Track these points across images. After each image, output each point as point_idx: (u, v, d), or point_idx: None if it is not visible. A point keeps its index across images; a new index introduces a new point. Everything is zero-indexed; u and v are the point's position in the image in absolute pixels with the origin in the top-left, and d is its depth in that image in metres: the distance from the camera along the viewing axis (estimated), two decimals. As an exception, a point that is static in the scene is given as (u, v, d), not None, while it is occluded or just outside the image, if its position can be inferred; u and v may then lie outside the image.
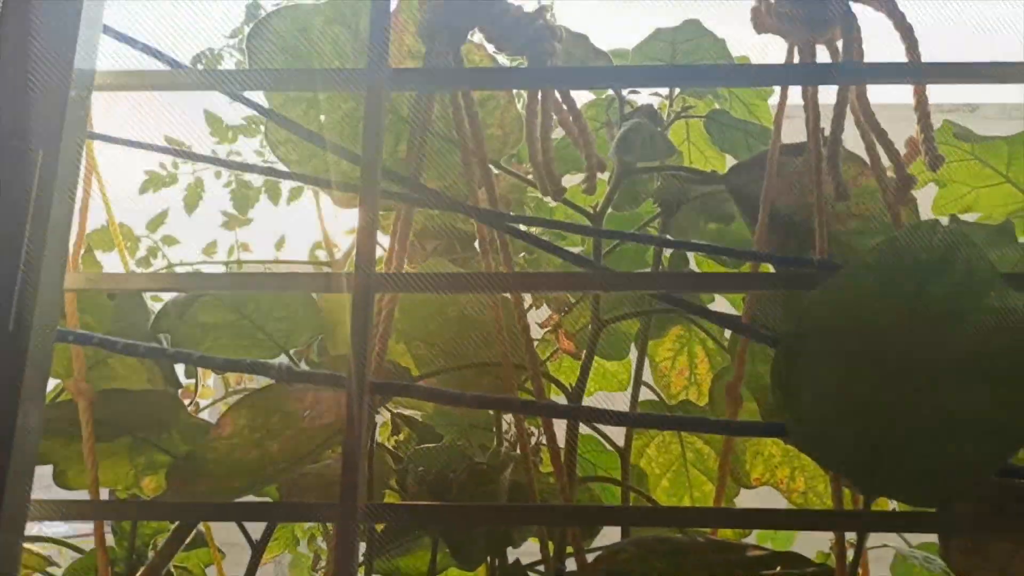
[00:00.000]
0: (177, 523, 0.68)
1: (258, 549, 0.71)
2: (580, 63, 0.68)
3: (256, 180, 1.29)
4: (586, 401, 0.78)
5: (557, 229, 0.59)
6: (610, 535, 0.78)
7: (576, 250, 0.83)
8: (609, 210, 0.71)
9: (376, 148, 0.52)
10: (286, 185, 1.22)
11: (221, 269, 1.14)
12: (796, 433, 0.47)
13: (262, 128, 1.29)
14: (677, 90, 0.75)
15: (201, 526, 0.77)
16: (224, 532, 0.80)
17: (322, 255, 1.06)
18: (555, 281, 0.49)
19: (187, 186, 1.21)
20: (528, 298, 0.83)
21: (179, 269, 1.12)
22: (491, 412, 0.83)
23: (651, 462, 0.88)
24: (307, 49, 0.56)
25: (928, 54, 0.55)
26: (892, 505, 0.78)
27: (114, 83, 0.56)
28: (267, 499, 0.88)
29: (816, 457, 0.49)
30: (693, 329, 0.92)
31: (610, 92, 0.74)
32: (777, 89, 0.69)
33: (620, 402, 1.03)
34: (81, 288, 0.51)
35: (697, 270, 0.83)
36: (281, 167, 0.64)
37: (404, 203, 0.55)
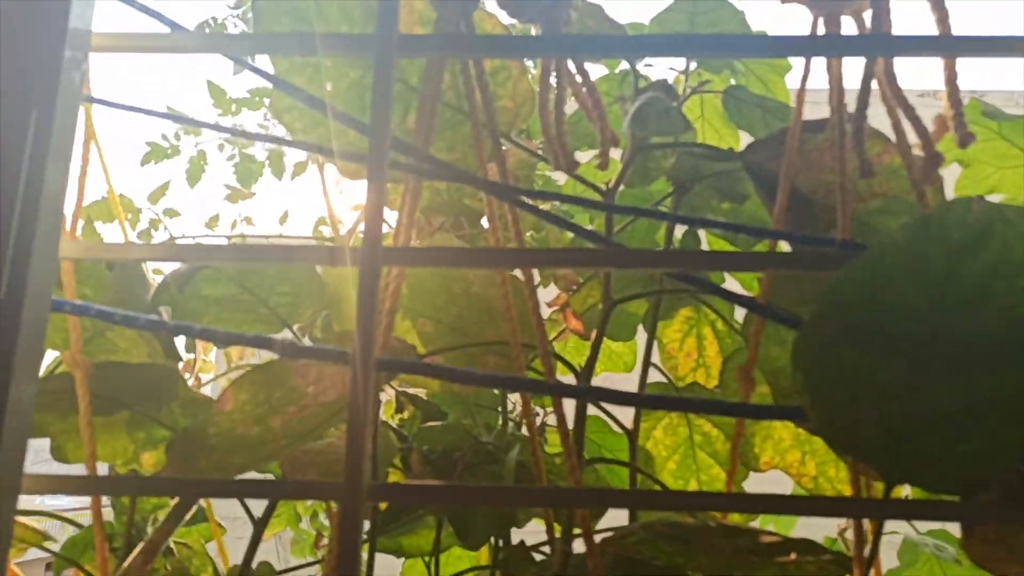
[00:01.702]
0: (177, 499, 0.67)
1: (259, 526, 0.70)
2: (595, 34, 0.66)
3: (260, 154, 1.27)
4: (591, 383, 0.77)
5: (569, 203, 0.57)
6: (617, 517, 0.77)
7: (587, 228, 0.81)
8: (621, 187, 0.70)
9: (384, 119, 0.50)
10: (290, 160, 1.20)
11: (224, 243, 1.12)
12: (815, 417, 0.46)
13: (266, 101, 1.27)
14: (693, 64, 0.73)
15: (202, 502, 0.76)
16: (225, 506, 0.79)
17: (326, 231, 1.04)
18: (565, 257, 0.47)
19: (190, 159, 1.19)
20: (536, 277, 0.81)
21: (181, 242, 1.10)
22: (497, 391, 0.82)
23: (658, 444, 0.87)
24: (313, 13, 0.54)
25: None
26: (905, 491, 0.77)
27: (112, 44, 0.54)
28: (270, 475, 0.87)
29: (834, 442, 0.48)
30: (702, 310, 0.91)
31: (624, 66, 0.72)
32: (796, 65, 0.66)
33: (625, 383, 1.02)
34: (77, 256, 0.49)
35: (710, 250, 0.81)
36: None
37: (413, 176, 0.53)
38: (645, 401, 0.60)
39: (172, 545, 0.77)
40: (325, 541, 0.85)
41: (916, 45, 0.51)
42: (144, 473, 0.70)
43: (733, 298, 0.55)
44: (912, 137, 0.56)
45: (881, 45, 0.52)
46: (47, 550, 0.71)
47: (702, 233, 0.78)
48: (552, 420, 0.90)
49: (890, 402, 0.43)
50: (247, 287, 0.68)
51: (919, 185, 0.53)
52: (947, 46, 0.52)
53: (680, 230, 0.80)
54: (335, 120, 0.54)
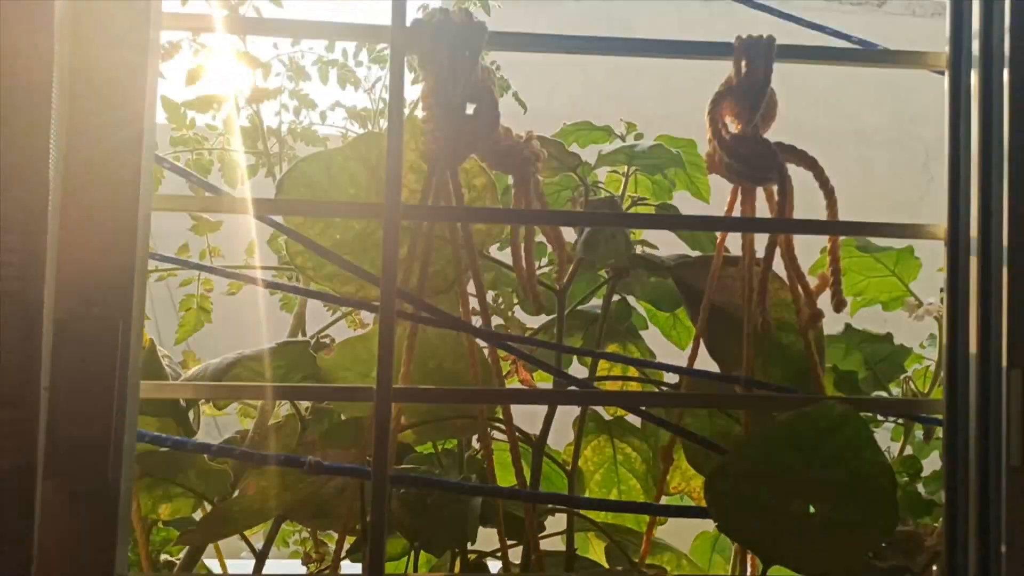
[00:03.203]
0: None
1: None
2: (556, 161, 0.78)
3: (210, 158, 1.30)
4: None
5: (540, 347, 0.71)
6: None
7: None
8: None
9: (392, 274, 0.61)
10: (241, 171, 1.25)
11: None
12: (719, 522, 0.63)
13: (214, 106, 1.30)
14: (633, 169, 0.85)
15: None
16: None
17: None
18: (545, 396, 0.61)
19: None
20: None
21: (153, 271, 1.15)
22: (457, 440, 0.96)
23: (587, 461, 1.04)
24: (328, 183, 0.63)
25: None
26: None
27: (167, 205, 0.62)
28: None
29: (732, 538, 0.65)
30: (628, 348, 1.07)
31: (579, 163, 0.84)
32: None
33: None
34: (151, 397, 0.59)
35: (642, 313, 0.96)
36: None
37: (412, 322, 0.65)
38: (574, 502, 0.76)
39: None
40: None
41: (811, 227, 0.66)
42: (161, 521, 0.81)
43: (660, 422, 0.70)
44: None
45: (782, 225, 0.66)
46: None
47: (634, 302, 0.93)
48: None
49: (771, 518, 0.61)
50: (250, 367, 0.79)
51: (804, 329, 0.69)
52: (835, 228, 0.67)
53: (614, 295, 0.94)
54: (344, 269, 0.65)
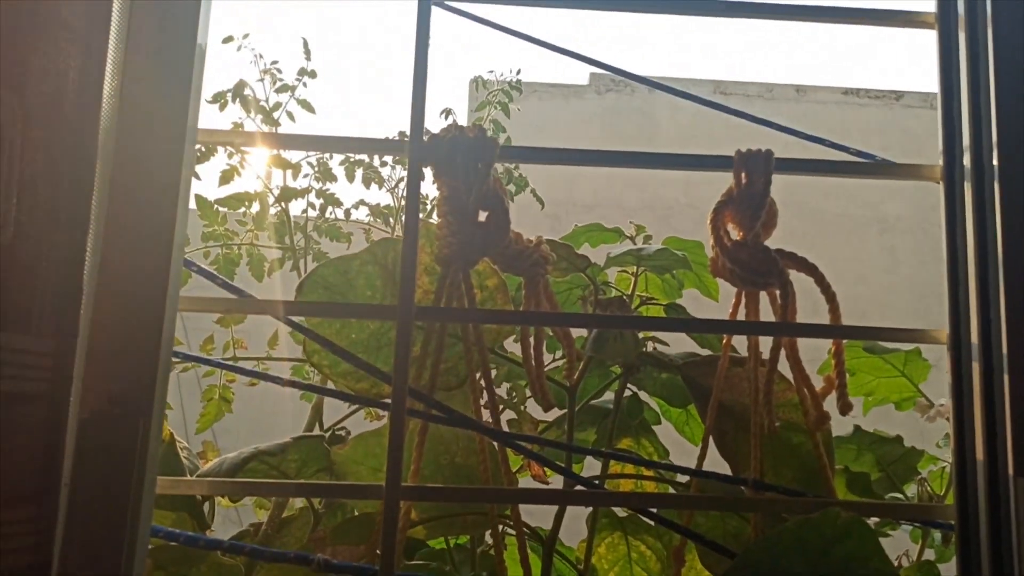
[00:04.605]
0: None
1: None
2: (566, 262, 0.80)
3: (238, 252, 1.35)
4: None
5: (546, 446, 0.72)
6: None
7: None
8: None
9: (403, 373, 0.63)
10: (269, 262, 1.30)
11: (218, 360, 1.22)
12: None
13: (245, 203, 1.36)
14: (642, 269, 0.87)
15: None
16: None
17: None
18: (552, 497, 0.61)
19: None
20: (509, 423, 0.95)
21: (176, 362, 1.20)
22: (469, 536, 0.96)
23: (601, 559, 1.03)
24: (345, 285, 0.66)
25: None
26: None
27: (196, 306, 0.65)
28: None
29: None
30: (642, 442, 1.07)
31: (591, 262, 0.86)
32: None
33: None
34: (167, 492, 0.61)
35: (654, 407, 0.97)
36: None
37: (422, 420, 0.67)
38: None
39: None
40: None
41: (813, 331, 0.67)
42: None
43: (670, 524, 0.70)
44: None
45: (785, 329, 0.68)
46: None
47: (646, 396, 0.94)
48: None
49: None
50: (266, 461, 0.80)
51: (812, 431, 0.69)
52: (837, 333, 0.68)
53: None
54: (359, 368, 0.67)
